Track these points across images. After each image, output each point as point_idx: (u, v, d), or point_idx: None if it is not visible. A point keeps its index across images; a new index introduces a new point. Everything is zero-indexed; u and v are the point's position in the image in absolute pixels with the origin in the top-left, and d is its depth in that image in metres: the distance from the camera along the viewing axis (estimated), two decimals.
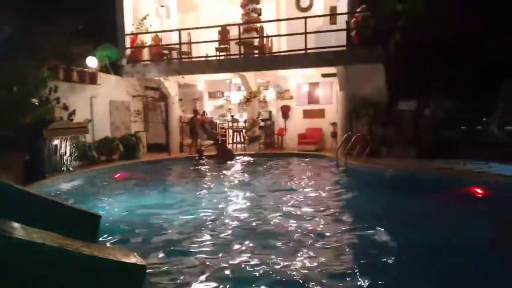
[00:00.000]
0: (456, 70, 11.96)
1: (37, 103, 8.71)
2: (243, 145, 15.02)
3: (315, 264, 4.01)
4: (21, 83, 8.45)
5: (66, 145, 9.27)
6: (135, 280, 1.91)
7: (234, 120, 15.77)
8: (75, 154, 9.58)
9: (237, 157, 13.03)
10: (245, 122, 15.10)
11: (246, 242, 4.67)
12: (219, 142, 13.87)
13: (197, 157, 12.84)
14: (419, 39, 12.05)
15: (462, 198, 7.02)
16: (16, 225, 2.28)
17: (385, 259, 4.14)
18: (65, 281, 1.97)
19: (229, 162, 12.31)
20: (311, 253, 4.33)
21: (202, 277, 3.66)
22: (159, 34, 14.22)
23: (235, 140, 15.24)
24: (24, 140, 8.04)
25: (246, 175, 10.00)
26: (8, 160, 7.81)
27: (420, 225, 5.41)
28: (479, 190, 7.15)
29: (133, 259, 2.16)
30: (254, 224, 5.55)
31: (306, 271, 3.80)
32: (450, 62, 12.14)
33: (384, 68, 11.62)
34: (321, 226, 5.36)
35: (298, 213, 6.11)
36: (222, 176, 9.92)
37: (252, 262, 4.04)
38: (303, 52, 12.10)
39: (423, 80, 12.21)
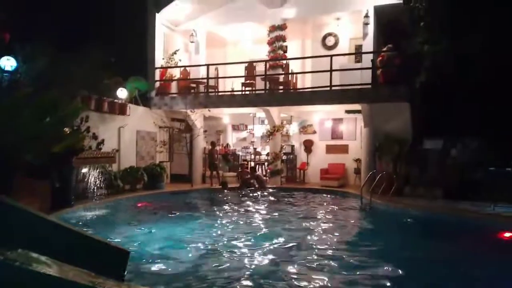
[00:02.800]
0: (483, 110, 11.82)
1: (68, 132, 9.03)
2: (264, 178, 15.00)
3: None
4: (54, 113, 8.77)
5: (93, 173, 9.50)
6: None
7: (256, 153, 15.85)
8: (102, 183, 9.78)
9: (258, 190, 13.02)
10: (267, 155, 15.16)
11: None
12: (241, 171, 13.99)
13: (221, 188, 12.94)
14: (444, 79, 12.03)
15: (491, 244, 6.76)
16: (44, 258, 2.32)
17: None
18: None
19: (253, 193, 12.39)
20: None
21: None
22: (187, 68, 14.70)
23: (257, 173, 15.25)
24: (53, 168, 8.31)
25: (266, 210, 9.92)
26: (37, 186, 8.05)
27: (445, 272, 5.20)
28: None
29: None
30: (268, 261, 5.48)
31: None
32: (477, 102, 12.02)
33: (409, 106, 11.57)
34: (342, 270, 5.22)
35: (318, 252, 5.99)
36: (241, 210, 9.85)
37: None
38: (327, 88, 12.23)
39: (449, 120, 12.09)
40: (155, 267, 5.15)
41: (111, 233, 6.80)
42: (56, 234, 3.26)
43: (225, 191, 12.85)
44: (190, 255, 5.79)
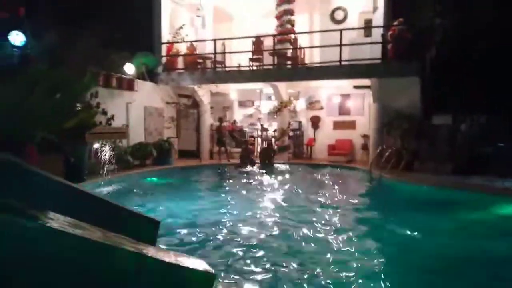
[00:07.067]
0: (493, 85, 11.71)
1: (79, 108, 9.03)
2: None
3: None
4: (65, 90, 8.73)
5: (105, 149, 9.55)
6: None
7: (263, 129, 15.84)
8: (113, 158, 9.83)
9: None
10: (274, 131, 15.14)
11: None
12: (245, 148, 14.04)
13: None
14: (456, 54, 11.87)
15: (502, 220, 6.82)
16: (86, 225, 2.34)
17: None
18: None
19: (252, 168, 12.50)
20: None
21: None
22: (194, 43, 14.53)
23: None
24: (66, 143, 8.34)
25: (277, 185, 10.01)
26: (50, 162, 8.09)
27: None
28: None
29: (204, 266, 2.19)
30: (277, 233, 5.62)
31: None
32: (488, 77, 11.89)
33: (419, 81, 11.47)
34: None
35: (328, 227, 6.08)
36: (253, 184, 9.95)
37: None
38: (337, 63, 12.11)
39: (460, 95, 11.99)
40: (173, 237, 5.29)
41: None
42: (87, 203, 3.30)
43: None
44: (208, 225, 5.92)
